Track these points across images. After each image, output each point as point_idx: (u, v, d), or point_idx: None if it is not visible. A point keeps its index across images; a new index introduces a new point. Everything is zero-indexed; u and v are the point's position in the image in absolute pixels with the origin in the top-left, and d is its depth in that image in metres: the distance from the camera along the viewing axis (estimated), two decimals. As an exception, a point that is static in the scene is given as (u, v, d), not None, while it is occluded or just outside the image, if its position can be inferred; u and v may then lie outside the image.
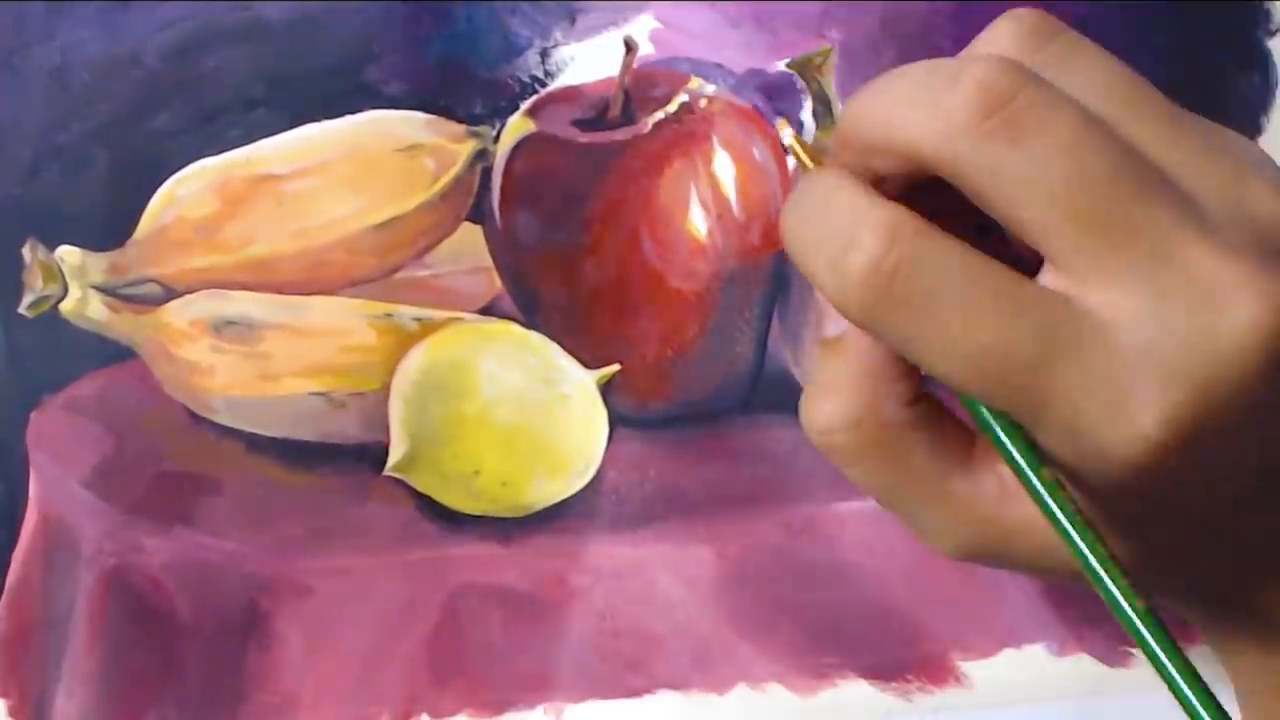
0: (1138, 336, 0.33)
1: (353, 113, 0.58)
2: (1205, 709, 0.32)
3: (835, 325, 0.42)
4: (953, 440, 0.37)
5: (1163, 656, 0.33)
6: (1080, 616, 0.54)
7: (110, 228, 0.58)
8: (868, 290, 0.33)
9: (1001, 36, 0.35)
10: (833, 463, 0.37)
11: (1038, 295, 0.33)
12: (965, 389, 0.34)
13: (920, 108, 0.34)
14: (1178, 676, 0.33)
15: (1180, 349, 0.32)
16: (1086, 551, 0.33)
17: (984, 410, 0.34)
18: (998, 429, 0.34)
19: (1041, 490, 0.34)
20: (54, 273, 0.57)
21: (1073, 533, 0.33)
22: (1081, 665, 0.54)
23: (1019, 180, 0.33)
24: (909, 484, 0.37)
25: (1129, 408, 0.33)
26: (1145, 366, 0.33)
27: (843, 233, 0.34)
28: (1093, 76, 0.35)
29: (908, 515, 0.38)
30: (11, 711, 0.55)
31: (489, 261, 0.58)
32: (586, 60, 0.59)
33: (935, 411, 0.37)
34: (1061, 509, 0.34)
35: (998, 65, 0.33)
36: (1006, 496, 0.36)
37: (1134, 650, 0.54)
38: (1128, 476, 0.33)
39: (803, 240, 0.35)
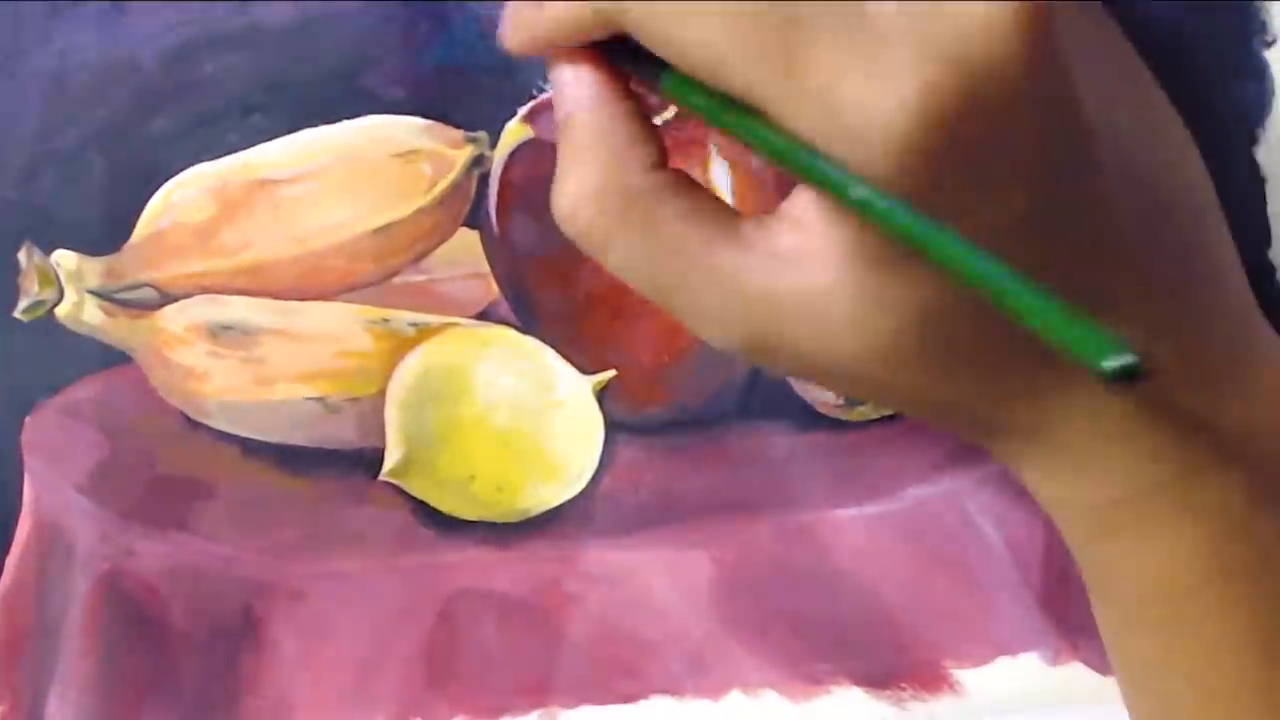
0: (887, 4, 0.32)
1: (350, 118, 0.58)
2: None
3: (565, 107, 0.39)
4: (710, 208, 0.35)
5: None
6: (1075, 625, 0.54)
7: (106, 232, 0.58)
8: None
9: None
10: (589, 250, 0.36)
11: None
12: (718, 64, 0.32)
13: None
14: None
15: (931, 18, 0.31)
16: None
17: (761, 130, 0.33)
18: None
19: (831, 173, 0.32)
20: (50, 277, 0.57)
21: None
22: (1076, 674, 0.54)
23: None
24: (669, 259, 0.35)
25: (886, 68, 0.31)
26: (898, 33, 0.31)
27: None
28: None
29: (677, 302, 0.35)
30: (5, 717, 0.55)
31: (486, 267, 0.58)
32: (584, 66, 0.59)
33: (684, 179, 0.36)
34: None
35: None
36: (780, 265, 0.34)
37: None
38: (891, 167, 0.32)
39: None
